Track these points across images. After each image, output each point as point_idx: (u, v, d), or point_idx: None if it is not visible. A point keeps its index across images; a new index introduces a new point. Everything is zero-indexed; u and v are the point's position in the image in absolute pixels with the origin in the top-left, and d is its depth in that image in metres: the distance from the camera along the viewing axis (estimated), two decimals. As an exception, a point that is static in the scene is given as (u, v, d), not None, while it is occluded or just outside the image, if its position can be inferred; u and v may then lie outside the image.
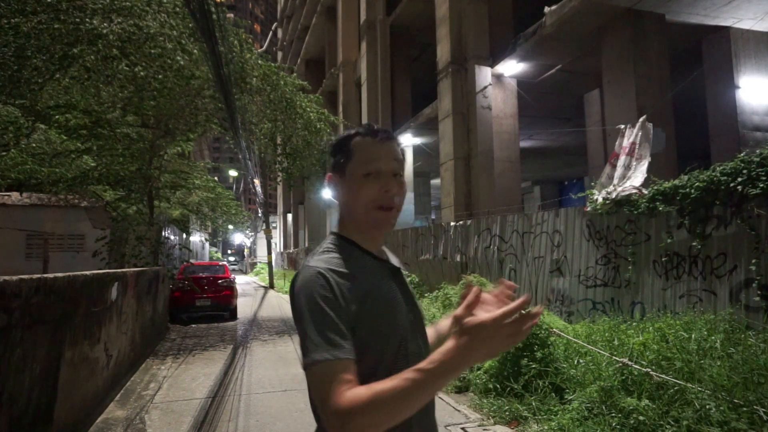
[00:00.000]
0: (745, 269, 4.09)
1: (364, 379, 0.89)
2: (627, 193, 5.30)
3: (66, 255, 10.88)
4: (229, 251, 68.43)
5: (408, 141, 14.75)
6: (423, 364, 0.79)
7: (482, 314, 0.79)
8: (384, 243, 1.13)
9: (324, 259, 0.98)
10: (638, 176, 5.46)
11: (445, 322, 1.15)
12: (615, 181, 5.69)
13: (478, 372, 4.61)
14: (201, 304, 10.72)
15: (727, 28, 7.95)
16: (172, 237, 15.32)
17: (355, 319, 0.91)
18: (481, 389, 4.46)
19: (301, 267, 0.99)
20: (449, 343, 0.79)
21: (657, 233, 4.96)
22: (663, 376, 3.21)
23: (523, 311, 0.77)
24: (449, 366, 0.78)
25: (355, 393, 0.80)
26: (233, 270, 20.52)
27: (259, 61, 9.10)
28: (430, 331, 1.13)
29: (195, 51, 7.55)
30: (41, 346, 3.09)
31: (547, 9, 8.43)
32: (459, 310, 0.81)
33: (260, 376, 5.74)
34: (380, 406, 0.78)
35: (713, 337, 3.60)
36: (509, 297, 0.90)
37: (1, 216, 10.62)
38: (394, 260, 1.15)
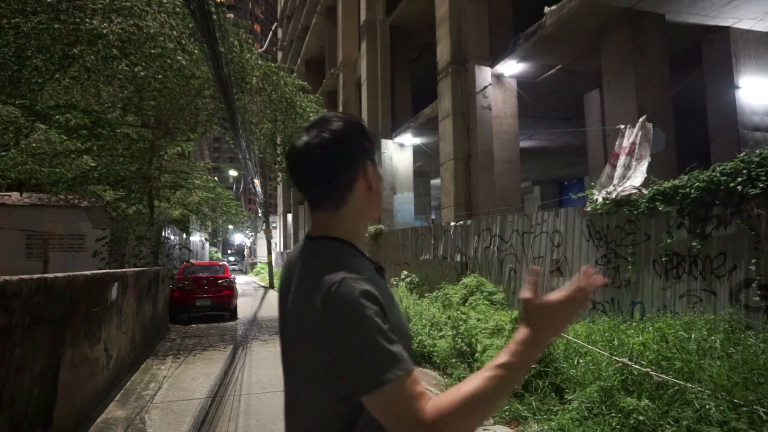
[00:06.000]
0: (745, 269, 4.09)
1: None
2: (627, 193, 5.30)
3: (66, 255, 10.87)
4: (229, 251, 68.40)
5: (408, 141, 14.78)
6: (503, 358, 0.76)
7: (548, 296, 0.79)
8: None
9: (358, 274, 0.87)
10: (638, 176, 5.45)
11: None
12: (615, 181, 5.69)
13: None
14: (201, 304, 10.74)
15: (727, 28, 7.94)
16: (172, 237, 15.32)
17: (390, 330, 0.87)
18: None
19: (324, 281, 0.85)
20: (522, 331, 0.77)
21: (657, 233, 4.96)
22: (663, 376, 3.21)
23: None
24: (532, 352, 0.77)
25: (438, 402, 0.76)
26: (233, 270, 20.52)
27: (259, 61, 9.10)
28: None
29: (195, 51, 7.55)
30: (41, 346, 3.09)
31: (547, 9, 8.42)
32: (526, 293, 0.80)
33: (260, 376, 5.74)
34: (468, 411, 0.74)
35: (713, 337, 3.60)
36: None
37: (1, 216, 10.61)
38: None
